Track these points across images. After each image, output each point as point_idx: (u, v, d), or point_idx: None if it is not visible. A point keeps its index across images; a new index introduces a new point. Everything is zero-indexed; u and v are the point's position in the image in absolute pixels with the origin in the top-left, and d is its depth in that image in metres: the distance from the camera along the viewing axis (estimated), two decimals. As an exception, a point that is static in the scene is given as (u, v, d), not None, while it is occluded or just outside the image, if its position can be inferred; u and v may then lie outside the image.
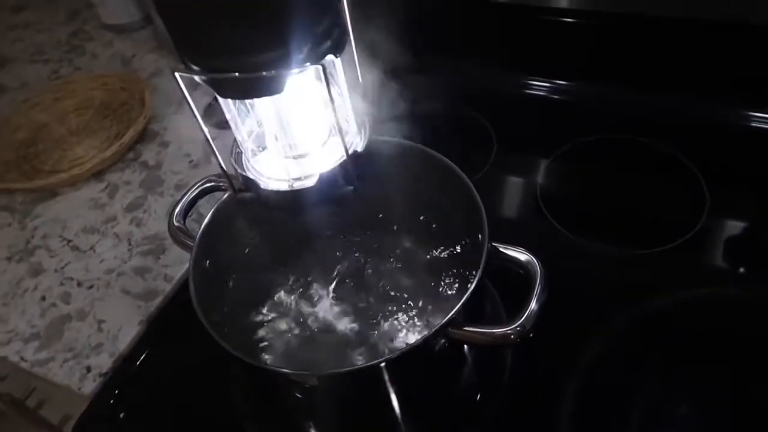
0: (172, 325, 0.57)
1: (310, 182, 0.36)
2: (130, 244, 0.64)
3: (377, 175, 0.47)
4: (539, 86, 0.71)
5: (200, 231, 0.44)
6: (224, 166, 0.38)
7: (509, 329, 0.35)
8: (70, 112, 0.82)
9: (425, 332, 0.40)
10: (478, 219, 0.41)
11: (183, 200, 0.47)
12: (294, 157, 0.37)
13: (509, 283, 0.40)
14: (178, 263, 0.61)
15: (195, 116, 0.36)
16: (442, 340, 0.36)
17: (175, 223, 0.46)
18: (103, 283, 0.61)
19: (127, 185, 0.71)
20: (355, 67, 0.36)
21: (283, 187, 0.37)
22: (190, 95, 0.34)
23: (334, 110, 0.33)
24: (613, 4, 0.61)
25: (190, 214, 0.48)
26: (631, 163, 0.63)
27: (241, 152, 0.39)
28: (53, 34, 1.01)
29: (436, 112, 0.69)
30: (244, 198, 0.39)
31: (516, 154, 0.66)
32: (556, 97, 0.70)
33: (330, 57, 0.31)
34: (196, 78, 0.32)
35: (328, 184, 0.36)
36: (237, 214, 0.46)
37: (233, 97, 0.34)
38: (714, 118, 0.63)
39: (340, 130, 0.34)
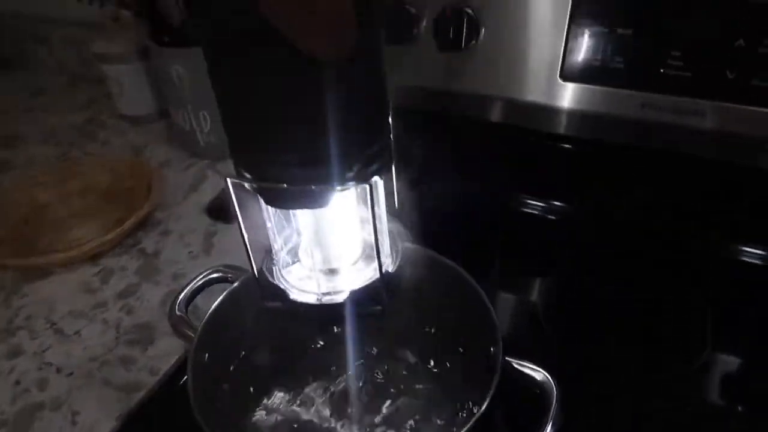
0: (153, 423, 0.54)
1: (339, 298, 0.36)
2: (117, 332, 0.62)
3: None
4: (537, 206, 0.73)
5: (203, 322, 0.42)
6: (256, 270, 0.38)
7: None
8: (74, 194, 0.82)
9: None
10: (491, 331, 0.40)
11: (187, 288, 0.46)
12: (325, 272, 0.38)
13: (517, 401, 0.39)
14: (166, 356, 0.59)
15: (238, 220, 0.35)
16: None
17: (177, 312, 0.44)
18: (83, 372, 0.58)
19: (123, 271, 0.70)
20: (393, 190, 0.37)
21: (312, 300, 0.37)
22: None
23: (375, 230, 0.34)
24: (612, 134, 0.64)
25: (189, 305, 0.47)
26: (629, 283, 0.63)
27: (273, 261, 0.39)
28: (68, 118, 1.04)
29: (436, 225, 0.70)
30: (272, 307, 0.38)
31: (514, 270, 0.66)
32: (553, 217, 0.72)
33: (375, 178, 0.32)
34: (246, 186, 0.32)
35: (357, 301, 0.36)
36: (242, 309, 0.45)
37: (279, 207, 0.35)
38: (715, 250, 0.65)
39: (378, 251, 0.35)
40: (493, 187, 0.75)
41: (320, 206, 0.32)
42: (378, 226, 0.34)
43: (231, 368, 0.44)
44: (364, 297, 0.36)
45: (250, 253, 0.37)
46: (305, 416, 0.45)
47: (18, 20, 1.18)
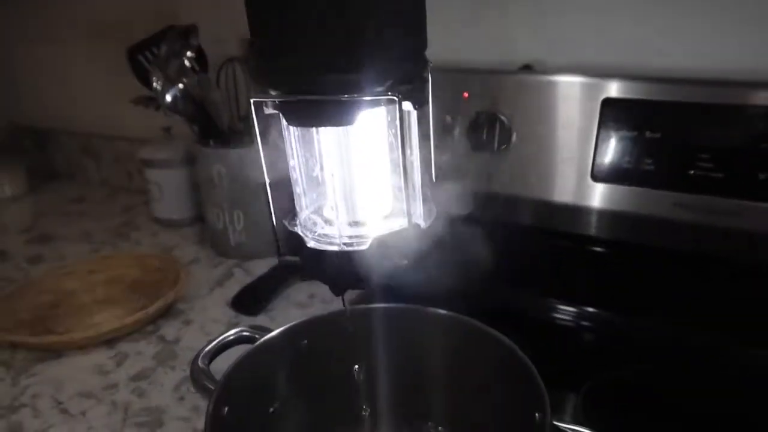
0: None
1: (362, 246, 0.32)
2: (125, 414, 0.58)
3: (421, 347, 0.45)
4: (572, 312, 0.71)
5: (225, 374, 0.40)
6: (274, 218, 0.35)
7: None
8: (100, 283, 0.82)
9: None
10: (539, 398, 0.37)
11: (214, 342, 0.44)
12: (350, 223, 0.34)
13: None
14: (175, 440, 0.54)
15: (258, 143, 0.33)
16: None
17: (200, 364, 0.42)
18: (84, 452, 0.54)
19: (138, 355, 0.67)
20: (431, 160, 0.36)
21: (333, 248, 0.33)
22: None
23: (403, 158, 0.31)
24: (645, 235, 0.64)
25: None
26: (673, 398, 0.59)
27: (295, 214, 0.36)
28: (104, 222, 1.07)
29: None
30: (286, 262, 0.35)
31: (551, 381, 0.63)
32: (589, 324, 0.69)
33: (408, 104, 0.30)
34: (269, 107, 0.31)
35: (379, 252, 0.32)
36: (266, 365, 0.43)
37: (305, 124, 0.32)
38: (752, 359, 0.61)
39: (407, 186, 0.32)
40: (521, 291, 0.73)
41: (348, 122, 0.29)
42: (408, 156, 0.32)
43: (251, 425, 0.41)
44: (388, 247, 0.32)
45: (270, 200, 0.34)
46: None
47: (71, 136, 1.27)
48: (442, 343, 0.45)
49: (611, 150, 0.63)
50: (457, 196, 0.38)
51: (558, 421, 0.36)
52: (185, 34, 0.85)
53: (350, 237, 0.34)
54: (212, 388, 0.39)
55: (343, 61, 0.28)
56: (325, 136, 0.33)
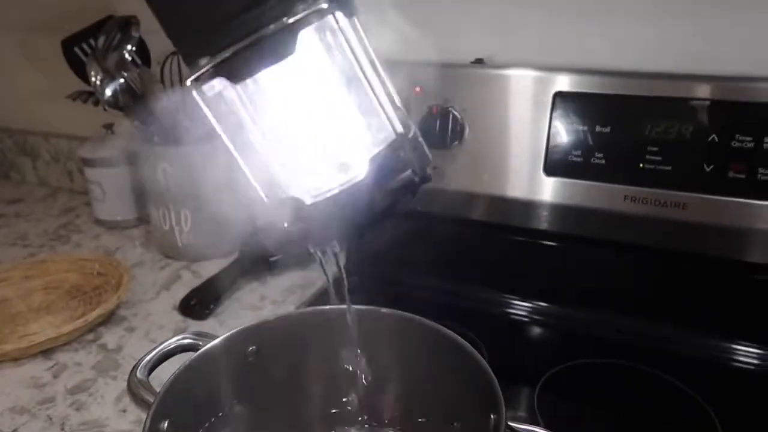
0: None
1: (359, 176, 0.30)
2: (62, 429, 0.54)
3: (374, 349, 0.44)
4: (526, 308, 0.71)
5: (164, 386, 0.37)
6: (262, 193, 0.31)
7: None
8: (36, 290, 0.78)
9: None
10: (494, 399, 0.36)
11: (154, 352, 0.41)
12: (338, 169, 0.31)
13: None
14: (116, 455, 0.51)
15: (216, 129, 0.31)
16: None
17: (138, 375, 0.39)
18: (15, 472, 0.50)
19: (77, 366, 0.63)
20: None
21: (333, 191, 0.30)
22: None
23: (363, 74, 0.29)
24: (596, 228, 0.64)
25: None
26: (626, 389, 0.59)
27: (276, 183, 0.32)
28: (41, 225, 1.01)
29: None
30: (293, 234, 0.32)
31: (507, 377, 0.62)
32: (543, 319, 0.70)
33: (340, 15, 0.29)
34: (210, 89, 0.29)
35: (381, 172, 0.30)
36: (209, 375, 0.40)
37: (250, 73, 0.29)
38: (714, 353, 0.62)
39: (378, 99, 0.29)
40: (475, 287, 0.73)
41: (287, 53, 0.28)
42: (366, 72, 0.30)
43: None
44: (387, 164, 0.30)
45: (243, 164, 0.31)
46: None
47: (5, 133, 1.20)
48: (396, 345, 0.43)
49: (563, 144, 0.63)
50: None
51: (512, 421, 0.35)
52: (125, 26, 0.81)
53: (343, 180, 0.31)
54: (151, 401, 0.37)
55: None
56: (274, 83, 0.30)
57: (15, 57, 1.10)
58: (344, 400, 0.46)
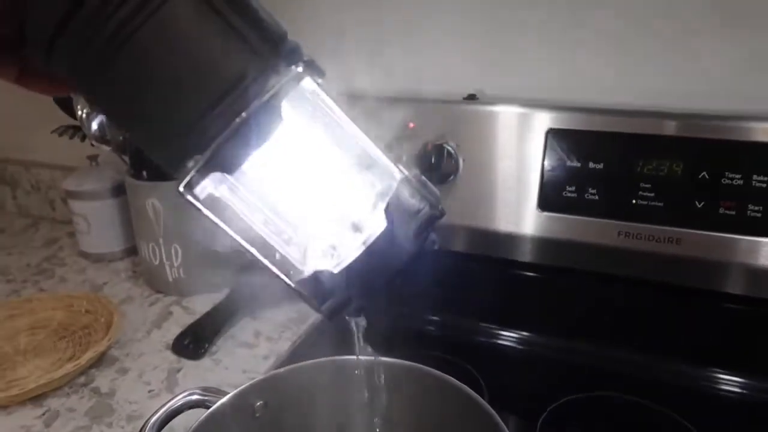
0: None
1: (378, 229, 0.29)
2: (58, 483, 0.53)
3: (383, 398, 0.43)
4: (521, 340, 0.71)
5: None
6: (289, 282, 0.30)
7: None
8: (22, 331, 0.76)
9: None
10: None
11: (162, 410, 0.41)
12: (352, 230, 0.31)
13: None
14: None
15: (220, 226, 0.29)
16: None
17: (146, 436, 0.39)
18: None
19: (70, 413, 0.62)
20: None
21: (357, 252, 0.30)
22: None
23: (348, 130, 0.29)
24: (590, 263, 0.65)
25: None
26: (623, 421, 0.60)
27: (294, 264, 0.31)
28: (24, 258, 0.99)
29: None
30: (331, 309, 0.31)
31: (509, 411, 0.62)
32: (538, 351, 0.70)
33: (306, 79, 0.28)
34: (202, 191, 0.28)
35: (401, 216, 0.30)
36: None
37: (241, 160, 0.28)
38: (706, 383, 0.63)
39: (370, 149, 0.29)
40: (469, 321, 0.73)
41: (274, 127, 0.27)
42: (349, 128, 0.30)
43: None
44: (401, 207, 0.30)
45: (259, 256, 0.30)
46: None
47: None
48: (404, 394, 0.43)
49: (556, 180, 0.64)
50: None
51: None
52: (112, 60, 0.80)
53: (361, 239, 0.30)
54: (162, 465, 0.36)
55: (222, 84, 0.27)
56: (267, 167, 0.30)
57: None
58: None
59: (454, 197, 0.69)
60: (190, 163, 0.27)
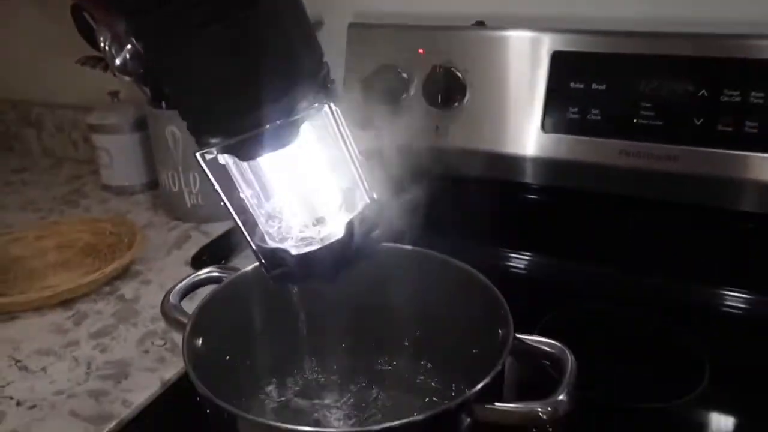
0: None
1: (338, 234, 0.36)
2: (88, 368, 0.58)
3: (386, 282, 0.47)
4: (524, 260, 0.74)
5: (198, 306, 0.41)
6: (252, 243, 0.38)
7: (539, 407, 0.32)
8: (51, 249, 0.80)
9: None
10: (502, 315, 0.39)
11: (184, 282, 0.44)
12: (315, 223, 0.38)
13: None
14: (141, 388, 0.54)
15: (218, 191, 0.36)
16: (466, 418, 0.32)
17: (171, 300, 0.42)
18: (48, 404, 0.53)
19: (98, 314, 0.66)
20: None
21: (314, 246, 0.36)
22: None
23: (348, 149, 0.35)
24: (593, 182, 0.68)
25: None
26: (622, 333, 0.63)
27: (263, 234, 0.39)
28: (50, 191, 1.03)
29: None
30: (277, 275, 0.38)
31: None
32: (541, 271, 0.73)
33: (331, 104, 0.34)
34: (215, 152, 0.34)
35: (356, 232, 0.36)
36: (240, 301, 0.43)
37: (254, 156, 0.35)
38: (708, 300, 0.66)
39: (357, 170, 0.35)
40: (473, 242, 0.76)
41: (290, 142, 0.33)
42: (350, 149, 0.35)
43: (227, 357, 0.42)
44: (361, 225, 0.36)
45: (239, 221, 0.37)
46: (304, 404, 0.42)
47: (7, 104, 1.21)
48: (415, 278, 0.46)
49: (560, 101, 0.66)
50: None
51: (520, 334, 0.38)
52: (133, -8, 0.82)
53: (323, 235, 0.37)
54: (185, 321, 0.40)
55: (270, 94, 0.31)
56: (270, 158, 0.36)
57: (19, 23, 1.11)
58: (362, 330, 0.49)
59: (461, 120, 0.71)
60: (215, 140, 0.33)
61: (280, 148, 0.34)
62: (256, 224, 0.38)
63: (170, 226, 0.88)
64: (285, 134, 0.33)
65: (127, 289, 0.71)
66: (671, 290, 0.67)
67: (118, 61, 0.88)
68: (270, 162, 0.36)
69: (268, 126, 0.32)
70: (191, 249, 0.80)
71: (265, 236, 0.38)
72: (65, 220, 0.86)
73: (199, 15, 0.29)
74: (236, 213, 0.37)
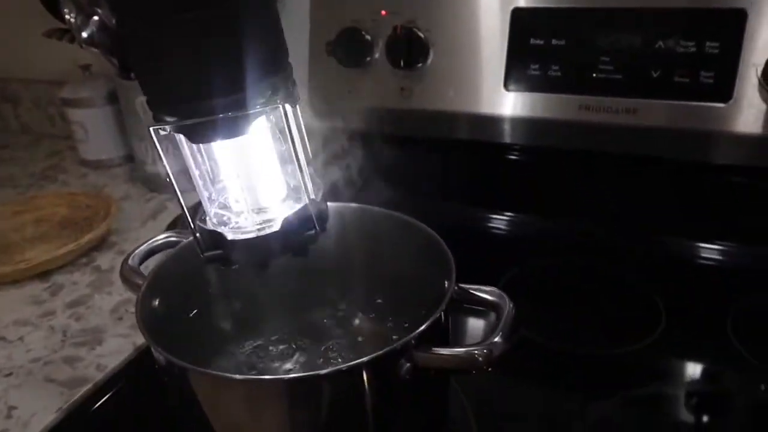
0: (95, 418, 0.51)
1: (274, 227, 0.38)
2: (64, 336, 0.59)
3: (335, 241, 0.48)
4: (492, 218, 0.76)
5: (154, 268, 0.42)
6: (192, 223, 0.40)
7: (476, 349, 0.33)
8: (28, 223, 0.81)
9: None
10: (447, 266, 0.40)
11: (143, 246, 0.46)
12: (256, 212, 0.40)
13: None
14: (115, 353, 0.56)
15: (166, 168, 0.37)
16: (405, 362, 0.34)
17: (129, 263, 0.44)
18: (24, 371, 0.55)
19: (74, 285, 0.68)
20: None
21: (250, 235, 0.38)
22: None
23: (295, 151, 0.36)
24: (556, 139, 0.68)
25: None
26: (582, 284, 0.65)
27: (205, 214, 0.41)
28: (28, 167, 1.04)
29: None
30: (211, 256, 0.39)
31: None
32: (508, 227, 0.75)
33: (288, 106, 0.35)
34: (168, 130, 0.35)
35: (291, 228, 0.37)
36: (197, 263, 0.45)
37: (206, 141, 0.37)
38: (666, 249, 0.68)
39: (302, 171, 0.37)
40: (439, 201, 0.77)
41: (241, 133, 0.35)
42: (297, 150, 0.37)
43: (184, 317, 0.43)
44: (296, 223, 0.38)
45: (182, 200, 0.39)
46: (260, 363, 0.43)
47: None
48: (361, 234, 0.47)
49: (521, 59, 0.67)
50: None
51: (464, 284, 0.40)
52: (95, -38, 0.82)
53: (261, 223, 0.39)
54: (141, 283, 0.41)
55: (224, 86, 0.33)
56: (222, 143, 0.37)
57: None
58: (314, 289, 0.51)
59: (425, 81, 0.71)
60: (170, 119, 0.34)
61: (230, 137, 0.35)
62: (200, 204, 0.40)
63: (147, 197, 0.89)
64: (236, 126, 0.34)
65: (104, 259, 0.73)
66: (631, 240, 0.68)
67: (84, 34, 0.88)
68: (223, 148, 0.38)
69: (220, 115, 0.33)
70: (167, 219, 0.81)
71: (207, 217, 0.40)
72: (42, 195, 0.87)
73: (175, 0, 0.31)
74: (180, 190, 0.38)
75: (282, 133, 0.37)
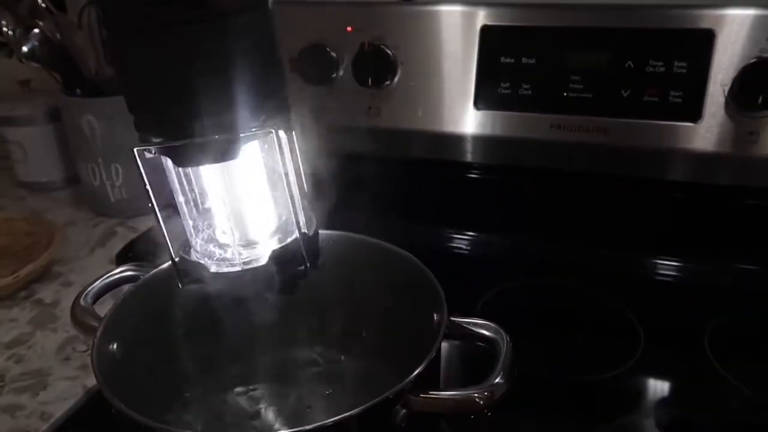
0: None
1: (261, 261, 0.35)
2: (2, 381, 0.53)
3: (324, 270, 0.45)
4: (462, 238, 0.74)
5: (111, 309, 0.37)
6: (172, 251, 0.36)
7: (475, 392, 0.31)
8: (-40, 254, 0.74)
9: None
10: (436, 298, 0.38)
11: (97, 283, 0.41)
12: (243, 246, 0.37)
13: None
14: (60, 400, 0.51)
15: (148, 192, 0.34)
16: (401, 409, 0.31)
17: (81, 303, 0.39)
18: (-45, 424, 0.49)
19: (12, 322, 0.62)
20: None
21: (234, 269, 0.36)
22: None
23: (288, 181, 0.34)
24: (526, 158, 0.67)
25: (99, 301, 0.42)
26: (559, 305, 0.63)
27: (189, 243, 0.37)
28: (-43, 191, 0.96)
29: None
30: (191, 290, 0.36)
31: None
32: (478, 248, 0.73)
33: (282, 132, 0.33)
34: (154, 151, 0.33)
35: (279, 263, 0.35)
36: (155, 301, 0.40)
37: (192, 164, 0.34)
38: (642, 269, 0.67)
39: (294, 203, 0.34)
40: (410, 222, 0.75)
41: (231, 157, 0.33)
42: (290, 180, 0.35)
43: (142, 360, 0.39)
44: (285, 258, 0.35)
45: (165, 231, 0.35)
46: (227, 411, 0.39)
47: None
48: (345, 265, 0.44)
49: (491, 77, 0.65)
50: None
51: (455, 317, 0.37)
52: (35, -28, 0.76)
53: (247, 257, 0.36)
54: (96, 325, 0.37)
55: (212, 108, 0.31)
56: (211, 169, 0.35)
57: None
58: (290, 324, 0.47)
59: (393, 99, 0.69)
60: (157, 140, 0.32)
61: (218, 162, 0.33)
62: (184, 233, 0.37)
63: (94, 222, 0.83)
64: (225, 150, 0.32)
65: (46, 292, 0.67)
66: (604, 261, 0.67)
67: (25, 48, 0.82)
68: (211, 174, 0.35)
69: (208, 138, 0.31)
70: (116, 245, 0.76)
71: (190, 248, 0.37)
72: (-25, 222, 0.80)
73: (167, 15, 0.29)
74: (163, 219, 0.35)
75: (276, 162, 0.35)
